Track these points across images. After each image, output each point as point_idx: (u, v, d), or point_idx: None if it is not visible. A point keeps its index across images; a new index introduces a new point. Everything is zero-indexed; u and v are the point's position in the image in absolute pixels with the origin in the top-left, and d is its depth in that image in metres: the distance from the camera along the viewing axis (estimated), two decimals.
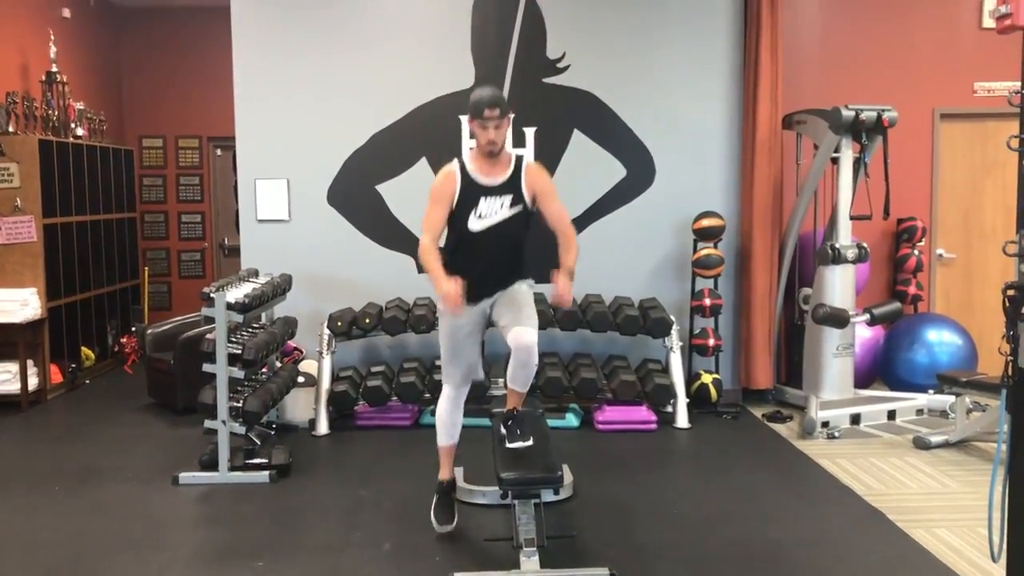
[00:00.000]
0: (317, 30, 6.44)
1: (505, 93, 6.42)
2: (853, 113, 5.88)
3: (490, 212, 3.83)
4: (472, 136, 3.91)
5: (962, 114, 7.25)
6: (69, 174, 7.37)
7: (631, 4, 6.47)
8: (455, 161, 3.91)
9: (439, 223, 3.85)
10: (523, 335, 3.73)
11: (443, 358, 4.08)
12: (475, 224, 3.83)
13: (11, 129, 6.85)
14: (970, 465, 5.20)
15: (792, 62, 6.84)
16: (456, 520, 4.20)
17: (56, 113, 7.50)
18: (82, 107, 7.92)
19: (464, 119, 6.42)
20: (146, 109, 9.41)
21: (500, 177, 3.86)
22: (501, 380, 5.17)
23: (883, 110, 5.92)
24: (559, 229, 3.94)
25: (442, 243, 3.94)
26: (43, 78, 7.50)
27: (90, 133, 8.01)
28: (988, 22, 7.12)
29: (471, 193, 3.82)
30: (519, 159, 3.93)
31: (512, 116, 3.88)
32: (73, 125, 7.72)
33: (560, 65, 6.46)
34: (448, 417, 4.11)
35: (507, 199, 3.84)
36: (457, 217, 3.85)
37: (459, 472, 4.72)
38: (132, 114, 9.44)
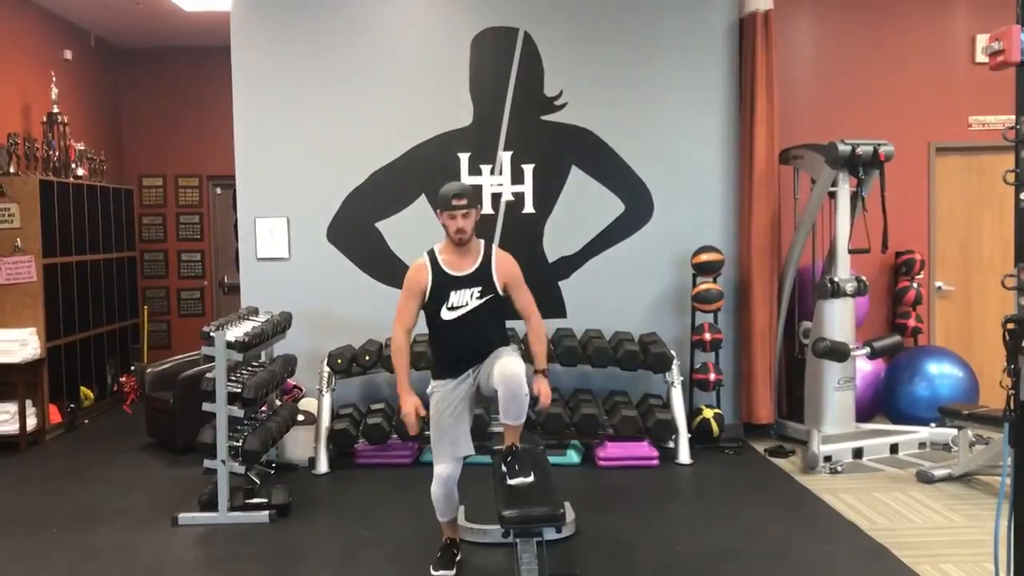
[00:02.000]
0: (316, 70, 6.50)
1: (503, 131, 6.49)
2: (849, 148, 5.91)
3: (461, 302, 3.98)
4: (444, 226, 4.01)
5: (958, 148, 7.29)
6: (69, 214, 7.39)
7: (628, 42, 6.53)
8: (425, 254, 4.07)
9: (411, 315, 4.06)
10: (508, 367, 3.79)
11: (431, 439, 4.12)
12: (447, 315, 3.99)
13: (12, 170, 6.89)
14: (974, 499, 5.17)
15: (788, 97, 6.90)
16: (455, 571, 4.17)
17: (57, 153, 7.54)
18: (83, 147, 7.97)
19: (463, 157, 6.46)
20: (146, 148, 9.47)
21: (469, 268, 4.00)
22: (500, 415, 5.15)
23: (879, 144, 5.95)
24: (528, 319, 4.13)
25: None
26: (44, 119, 7.56)
27: (90, 173, 8.05)
28: (981, 57, 7.18)
29: (442, 285, 3.98)
30: (488, 247, 4.07)
31: (480, 208, 4.06)
32: (74, 165, 7.77)
33: (558, 103, 6.52)
34: (443, 500, 4.12)
35: (476, 290, 3.98)
36: (430, 307, 4.02)
37: (460, 510, 4.69)
38: (132, 153, 9.50)
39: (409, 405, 3.99)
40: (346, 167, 6.52)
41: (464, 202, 3.92)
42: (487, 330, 4.04)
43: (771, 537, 4.61)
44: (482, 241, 4.09)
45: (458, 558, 4.23)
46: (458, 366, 4.05)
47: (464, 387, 4.05)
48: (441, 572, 4.13)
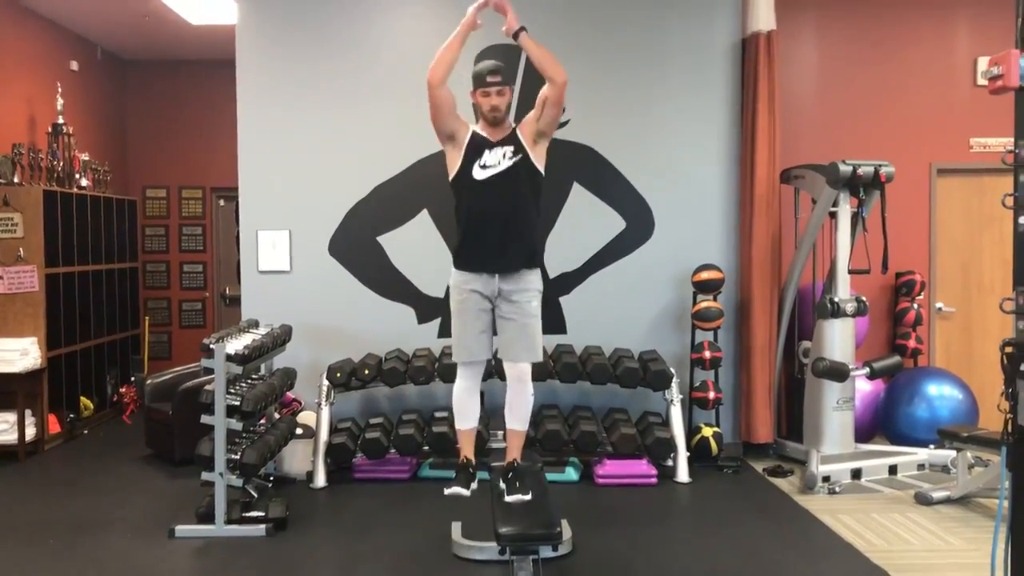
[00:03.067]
0: (320, 83, 6.53)
1: None
2: (850, 168, 5.93)
3: (493, 162, 4.08)
4: (475, 107, 4.17)
5: (959, 169, 7.31)
6: (72, 224, 7.42)
7: (630, 60, 6.57)
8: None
9: (446, 96, 4.14)
10: (518, 366, 4.08)
11: (453, 336, 4.22)
12: (479, 173, 4.08)
13: (16, 180, 6.92)
14: (973, 522, 5.15)
15: (789, 117, 6.93)
16: (472, 489, 4.15)
17: (61, 164, 7.58)
18: (87, 158, 8.01)
19: None
20: (150, 160, 9.52)
21: (502, 135, 4.14)
22: (500, 433, 5.15)
23: (880, 165, 5.97)
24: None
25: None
26: (49, 129, 7.60)
27: (94, 184, 8.08)
28: (982, 79, 7.20)
29: (476, 145, 4.10)
30: (516, 124, 4.23)
31: (513, 87, 4.19)
32: (78, 176, 7.80)
33: (560, 120, 6.52)
34: (464, 405, 4.24)
35: (508, 150, 4.10)
36: (463, 170, 4.11)
37: (456, 527, 4.70)
38: (136, 165, 9.54)
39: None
40: (349, 181, 6.55)
41: (499, 79, 4.06)
42: (517, 209, 4.10)
43: (769, 558, 4.60)
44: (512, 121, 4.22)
45: (474, 480, 4.18)
46: (483, 254, 4.09)
47: (484, 291, 4.11)
48: (455, 489, 4.11)
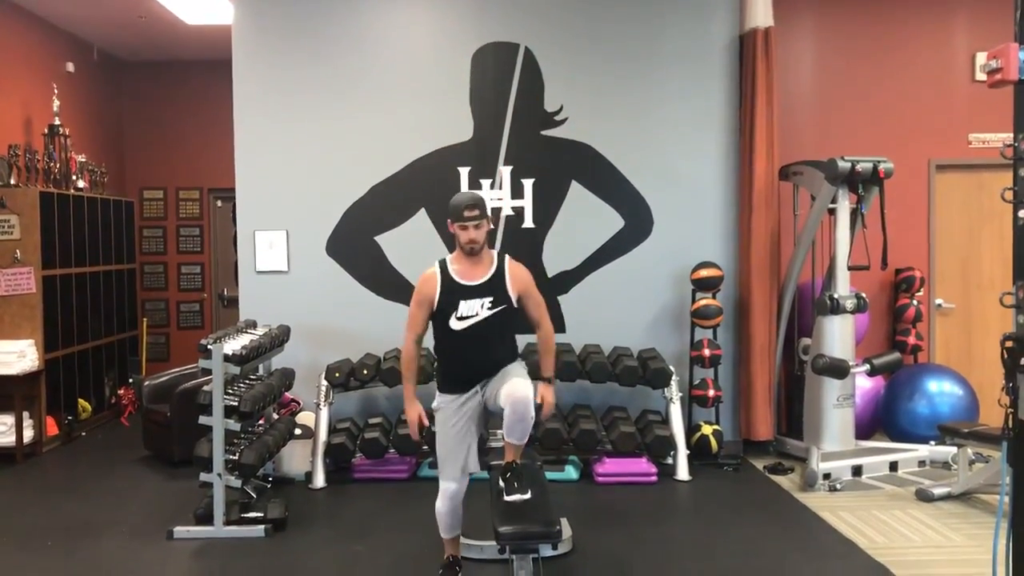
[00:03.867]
0: (316, 83, 6.51)
1: (503, 145, 6.50)
2: (849, 164, 5.91)
3: (470, 312, 3.94)
4: (453, 237, 4.01)
5: (958, 165, 7.30)
6: (69, 226, 7.40)
7: (628, 57, 6.55)
8: (436, 264, 4.04)
9: (421, 324, 4.05)
10: (517, 388, 3.77)
11: (440, 456, 4.09)
12: (456, 324, 3.95)
13: (13, 181, 6.90)
14: (974, 518, 5.14)
15: (788, 114, 6.92)
16: None
17: (58, 165, 7.56)
18: (83, 159, 7.99)
19: (463, 171, 6.47)
20: (147, 161, 9.50)
21: (481, 278, 3.97)
22: (499, 431, 5.13)
23: (879, 161, 5.96)
24: (540, 327, 4.12)
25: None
26: (46, 131, 7.58)
27: (91, 185, 8.06)
28: (981, 75, 7.19)
29: (451, 295, 3.95)
30: (501, 257, 4.05)
31: (491, 221, 4.09)
32: (74, 177, 7.78)
33: (558, 118, 6.52)
34: (448, 516, 4.11)
35: (487, 300, 3.95)
36: (439, 317, 3.99)
37: None
38: (133, 166, 9.52)
39: (414, 413, 4.08)
40: (346, 181, 6.53)
41: (476, 213, 3.91)
42: (496, 344, 4.02)
43: (769, 555, 4.59)
44: (495, 251, 4.08)
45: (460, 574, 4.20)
46: (465, 381, 4.02)
47: (471, 404, 4.02)
48: None
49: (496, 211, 6.50)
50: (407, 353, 4.07)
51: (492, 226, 4.35)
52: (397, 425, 6.03)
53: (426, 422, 4.10)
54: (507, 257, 4.07)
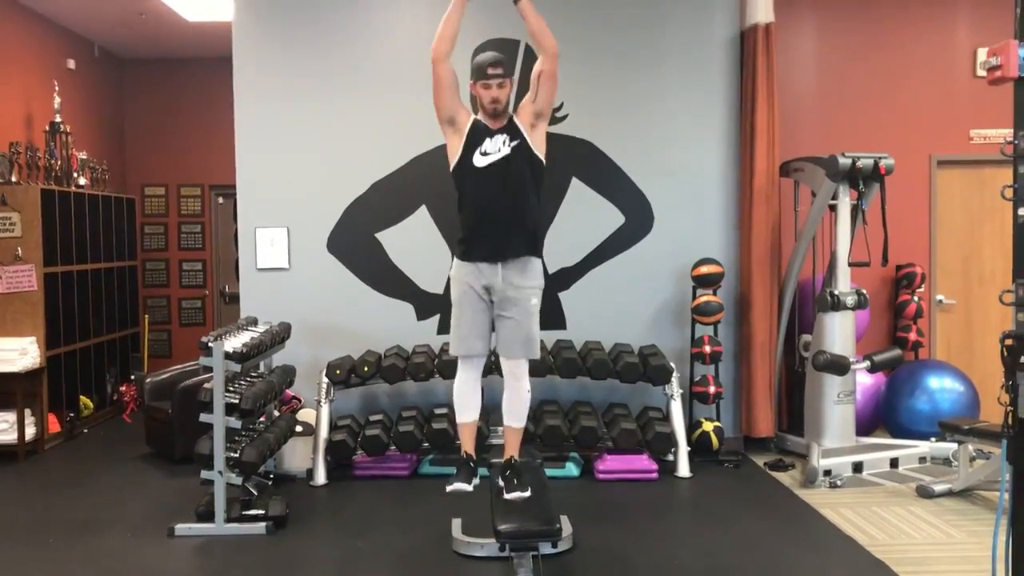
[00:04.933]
0: (318, 79, 6.51)
1: None
2: (850, 160, 5.91)
3: (493, 149, 4.07)
4: (476, 99, 4.16)
5: (959, 161, 7.29)
6: (71, 223, 7.40)
7: (628, 54, 6.54)
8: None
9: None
10: (516, 368, 4.07)
11: (452, 328, 4.20)
12: (479, 160, 4.08)
13: (14, 179, 6.90)
14: (974, 514, 5.14)
15: (788, 110, 6.91)
16: (474, 484, 4.15)
17: (59, 162, 7.56)
18: (84, 156, 7.99)
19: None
20: (148, 158, 9.50)
21: (502, 124, 4.13)
22: (500, 429, 5.14)
23: (880, 157, 5.95)
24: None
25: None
26: (47, 128, 7.58)
27: (92, 182, 8.07)
28: (982, 71, 7.18)
29: (477, 132, 4.10)
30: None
31: (515, 78, 4.17)
32: (75, 174, 7.79)
33: (558, 114, 6.51)
34: (464, 398, 4.23)
35: (507, 136, 4.09)
36: (464, 158, 4.11)
37: (456, 524, 4.69)
38: (134, 163, 9.53)
39: None
40: (347, 177, 6.53)
41: (500, 71, 4.04)
42: (516, 193, 4.08)
43: (770, 552, 4.59)
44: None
45: (476, 475, 4.19)
46: (484, 241, 4.09)
47: (484, 281, 4.09)
48: (458, 485, 4.10)
49: None
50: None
51: (514, 86, 4.45)
52: (398, 422, 6.04)
53: None
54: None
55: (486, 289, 4.11)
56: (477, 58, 4.11)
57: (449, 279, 4.27)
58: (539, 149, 4.16)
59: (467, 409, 4.25)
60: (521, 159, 4.09)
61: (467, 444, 4.29)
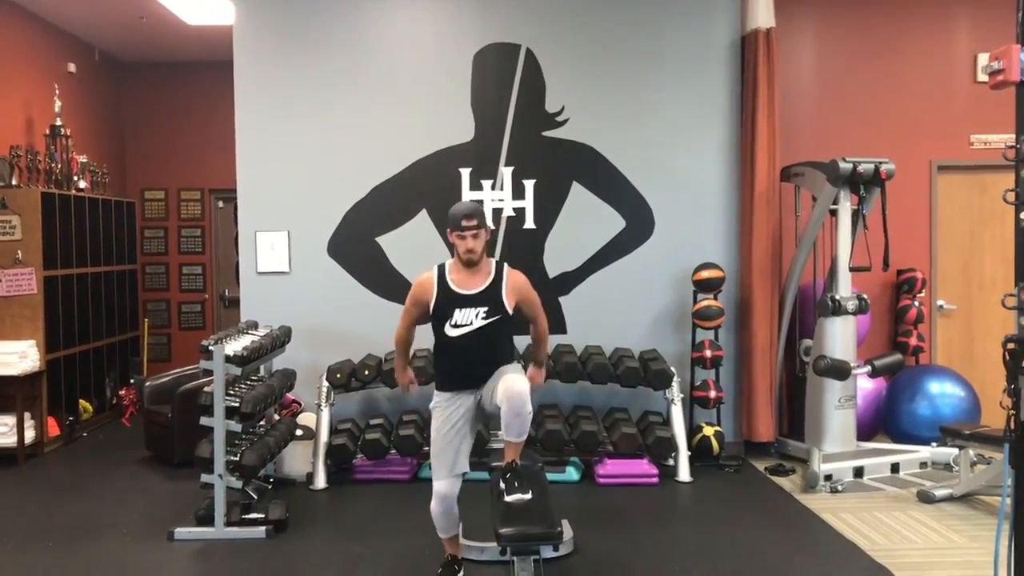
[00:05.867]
0: (318, 84, 6.52)
1: (505, 146, 6.49)
2: (851, 165, 5.91)
3: (465, 321, 3.98)
4: (451, 247, 4.06)
5: (959, 166, 7.29)
6: (71, 226, 7.40)
7: (629, 58, 6.55)
8: (435, 268, 4.06)
9: (412, 319, 4.16)
10: (513, 384, 3.80)
11: (433, 455, 4.10)
12: (451, 331, 4.00)
13: (14, 182, 6.90)
14: (976, 519, 5.13)
15: (789, 115, 6.91)
16: None
17: (59, 166, 7.56)
18: (85, 160, 7.99)
19: (464, 172, 6.47)
20: (148, 161, 9.51)
21: (478, 287, 3.98)
22: (500, 433, 5.13)
23: (880, 162, 5.95)
24: (536, 325, 4.22)
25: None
26: (47, 131, 7.58)
27: (92, 185, 8.06)
28: (982, 75, 7.18)
29: (446, 302, 3.98)
30: (500, 266, 4.07)
31: (491, 228, 4.11)
32: (76, 178, 7.78)
33: (559, 119, 6.52)
34: (442, 518, 4.11)
35: (482, 310, 3.97)
36: (435, 322, 4.05)
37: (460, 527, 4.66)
38: (134, 166, 9.53)
39: (404, 377, 4.34)
40: (347, 181, 6.53)
41: (474, 223, 3.94)
42: (491, 349, 4.03)
43: (770, 557, 4.58)
44: (494, 260, 4.10)
45: (460, 574, 4.21)
46: (462, 381, 4.07)
47: (467, 403, 4.04)
48: None
49: (497, 212, 6.50)
50: (399, 335, 4.21)
51: (491, 235, 4.36)
52: (398, 426, 6.03)
53: (415, 388, 4.40)
54: (506, 266, 4.09)
55: (468, 404, 4.07)
56: (452, 209, 4.02)
57: (431, 408, 4.15)
58: (511, 309, 4.06)
59: (449, 527, 4.17)
60: (495, 328, 4.00)
61: (450, 549, 4.28)
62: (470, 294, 3.97)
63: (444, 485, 4.03)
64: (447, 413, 4.04)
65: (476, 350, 4.00)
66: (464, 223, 3.93)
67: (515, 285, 4.04)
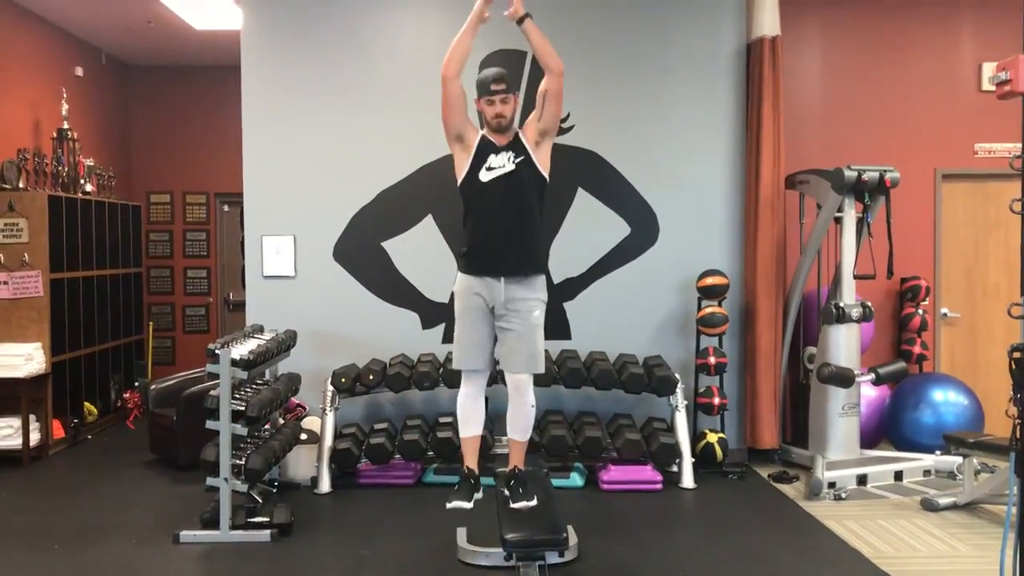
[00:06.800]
0: (324, 88, 6.54)
1: None
2: (855, 173, 5.92)
3: (498, 164, 4.14)
4: (480, 115, 4.23)
5: (963, 175, 7.30)
6: (77, 229, 7.42)
7: (635, 66, 6.57)
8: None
9: (454, 106, 4.20)
10: (520, 382, 4.10)
11: (455, 342, 4.23)
12: (485, 175, 4.14)
13: (21, 185, 6.93)
14: (979, 528, 5.13)
15: (794, 122, 6.93)
16: (476, 499, 4.21)
17: (66, 169, 7.59)
18: (91, 163, 8.02)
19: None
20: (154, 165, 9.54)
21: (507, 140, 4.21)
22: (505, 439, 5.15)
23: (885, 170, 5.96)
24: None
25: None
26: (54, 135, 7.62)
27: (99, 189, 8.09)
28: (987, 84, 7.21)
29: (484, 149, 4.17)
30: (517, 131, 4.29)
31: (519, 94, 4.22)
32: (82, 181, 7.81)
33: (565, 125, 6.52)
34: (467, 411, 4.24)
35: (511, 154, 4.16)
36: (471, 174, 4.17)
37: (462, 533, 4.68)
38: (141, 170, 9.56)
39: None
40: (353, 186, 6.55)
41: (503, 86, 4.10)
42: (520, 209, 4.14)
43: (774, 564, 4.58)
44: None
45: (478, 491, 4.22)
46: (488, 255, 4.13)
47: (484, 297, 4.13)
48: (457, 503, 4.13)
49: None
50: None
51: (519, 102, 4.47)
52: (402, 431, 6.04)
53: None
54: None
55: (489, 302, 4.12)
56: (480, 74, 4.16)
57: (453, 292, 4.28)
58: (543, 166, 4.20)
59: (470, 423, 4.26)
60: (525, 175, 4.14)
61: (469, 459, 4.30)
62: (503, 144, 4.17)
63: (467, 377, 4.23)
64: (467, 301, 4.17)
65: (508, 202, 4.11)
66: (493, 87, 4.08)
67: (527, 122, 4.24)
